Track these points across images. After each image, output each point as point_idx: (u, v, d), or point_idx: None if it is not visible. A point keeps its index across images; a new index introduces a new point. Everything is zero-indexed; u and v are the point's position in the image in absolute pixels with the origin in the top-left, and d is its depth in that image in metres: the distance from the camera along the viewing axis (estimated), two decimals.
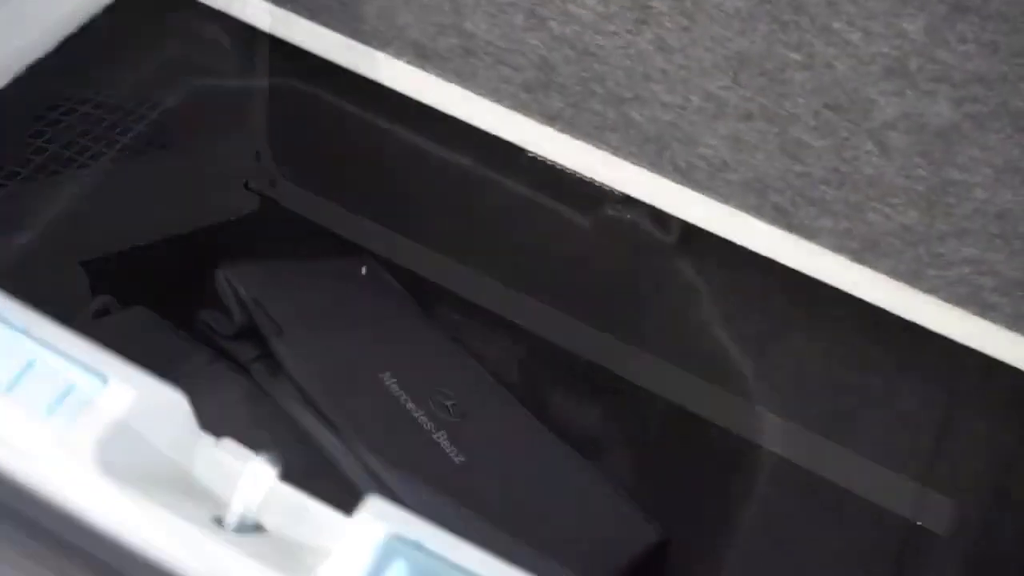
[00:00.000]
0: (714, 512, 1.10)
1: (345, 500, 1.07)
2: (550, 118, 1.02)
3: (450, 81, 1.05)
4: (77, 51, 1.07)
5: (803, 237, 0.96)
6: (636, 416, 1.25)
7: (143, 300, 1.22)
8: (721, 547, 1.05)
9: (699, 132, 0.95)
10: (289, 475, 1.09)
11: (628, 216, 1.12)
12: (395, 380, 1.14)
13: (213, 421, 1.12)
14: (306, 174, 1.28)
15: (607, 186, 1.07)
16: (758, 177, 0.95)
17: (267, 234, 1.36)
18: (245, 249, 1.34)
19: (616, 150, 1.01)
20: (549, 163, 1.08)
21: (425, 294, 1.33)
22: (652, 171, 1.00)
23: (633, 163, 1.01)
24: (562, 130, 1.03)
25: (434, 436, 1.11)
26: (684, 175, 0.99)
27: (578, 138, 1.02)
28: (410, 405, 1.13)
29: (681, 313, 1.13)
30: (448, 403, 1.15)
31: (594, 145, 1.01)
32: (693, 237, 1.12)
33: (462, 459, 1.10)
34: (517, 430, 1.19)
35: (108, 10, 1.09)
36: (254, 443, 1.10)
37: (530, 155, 1.09)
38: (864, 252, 0.95)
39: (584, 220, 1.16)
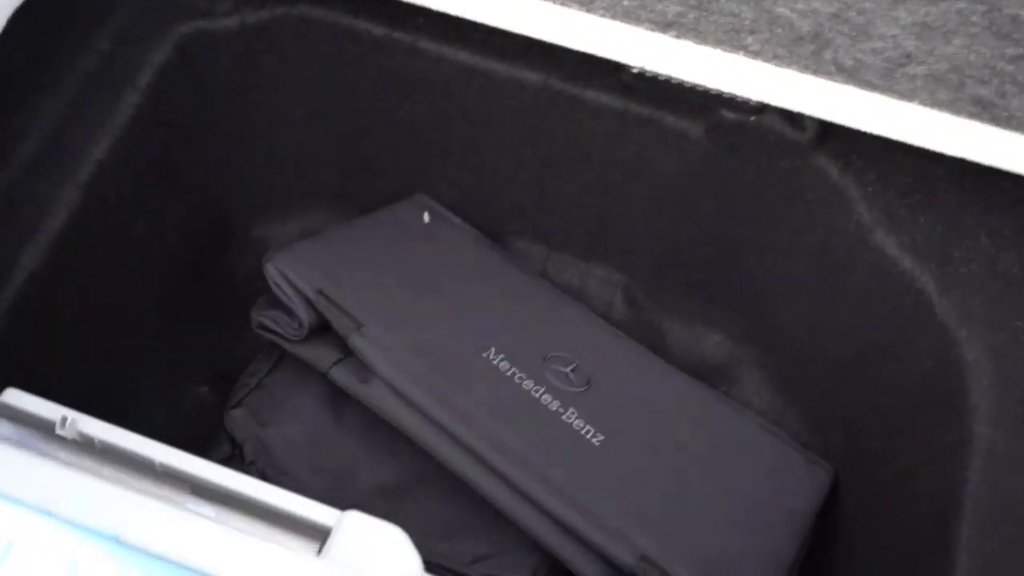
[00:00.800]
0: (884, 447, 0.94)
1: (467, 509, 0.93)
2: (664, 25, 0.80)
3: None
4: (30, 28, 0.83)
5: (1014, 130, 0.76)
6: (771, 339, 1.07)
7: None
8: (904, 490, 0.90)
9: (874, 22, 0.73)
10: (397, 488, 0.94)
11: (751, 119, 0.92)
12: (502, 355, 0.96)
13: (296, 441, 0.95)
14: (338, 109, 1.05)
15: (737, 96, 0.86)
16: (954, 67, 0.74)
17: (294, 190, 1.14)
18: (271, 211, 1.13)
19: (756, 54, 0.79)
20: (662, 78, 0.86)
21: (496, 227, 1.13)
22: (804, 73, 0.78)
23: (777, 66, 0.79)
24: (679, 36, 0.80)
25: (563, 416, 0.94)
26: (851, 74, 0.78)
27: (702, 44, 0.80)
28: (526, 384, 0.95)
29: (828, 220, 0.94)
30: (567, 370, 0.97)
31: (725, 51, 0.79)
32: (830, 132, 0.92)
33: (601, 438, 0.93)
34: (650, 385, 1.02)
35: None
36: (348, 456, 0.94)
37: (634, 71, 0.87)
38: None
39: (695, 127, 0.95)
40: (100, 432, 0.68)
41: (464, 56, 0.97)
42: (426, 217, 1.08)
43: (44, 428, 0.68)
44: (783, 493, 0.96)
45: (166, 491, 0.67)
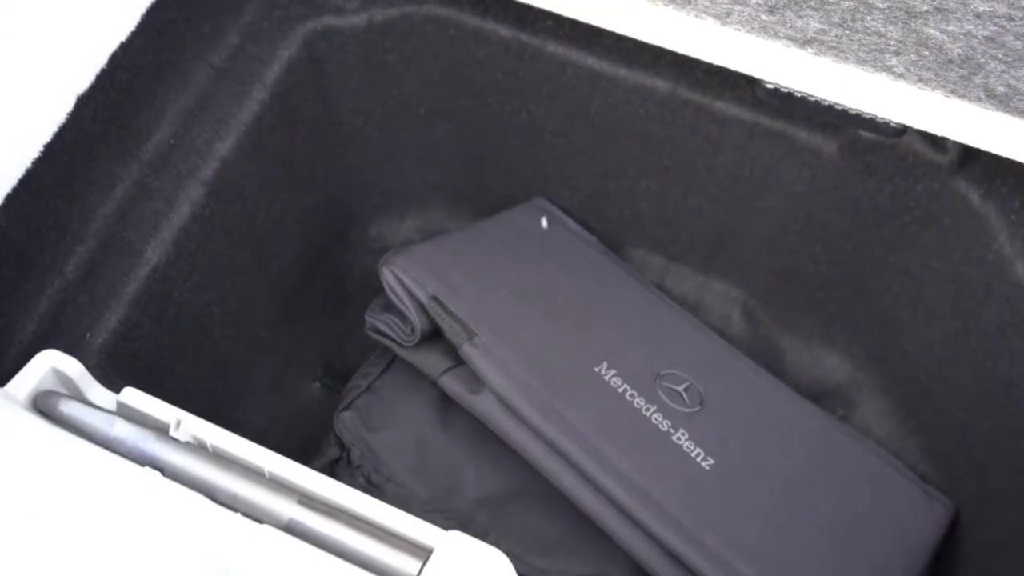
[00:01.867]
0: (1010, 487, 0.89)
1: (570, 527, 0.91)
2: (803, 42, 0.76)
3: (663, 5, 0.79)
4: (161, 22, 0.84)
5: None
6: (895, 365, 1.02)
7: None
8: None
9: None
10: (501, 500, 0.93)
11: (890, 139, 0.87)
12: (614, 371, 0.93)
13: (403, 447, 0.94)
14: (461, 109, 1.04)
15: (878, 117, 0.82)
16: None
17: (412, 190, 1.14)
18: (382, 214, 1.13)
19: (900, 76, 0.75)
20: (798, 95, 0.83)
21: (615, 236, 1.11)
22: (952, 98, 0.74)
23: (922, 89, 0.75)
24: (818, 54, 0.77)
25: (673, 437, 0.91)
26: (1002, 101, 0.73)
27: (842, 63, 0.76)
28: (638, 401, 0.92)
29: (965, 247, 0.89)
30: (680, 388, 0.95)
31: (867, 71, 0.76)
32: (973, 156, 0.87)
33: (711, 462, 0.90)
34: (765, 408, 0.98)
35: None
36: (453, 465, 0.94)
37: (769, 87, 0.84)
38: None
39: (828, 144, 0.91)
40: (212, 437, 0.68)
41: (592, 61, 0.95)
42: (544, 222, 1.06)
43: (159, 429, 0.68)
44: (898, 528, 0.92)
45: (273, 499, 0.67)
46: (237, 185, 0.92)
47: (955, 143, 0.86)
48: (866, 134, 0.88)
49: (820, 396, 1.06)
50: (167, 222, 0.85)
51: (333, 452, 0.94)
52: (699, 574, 0.84)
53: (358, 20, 0.96)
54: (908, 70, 0.74)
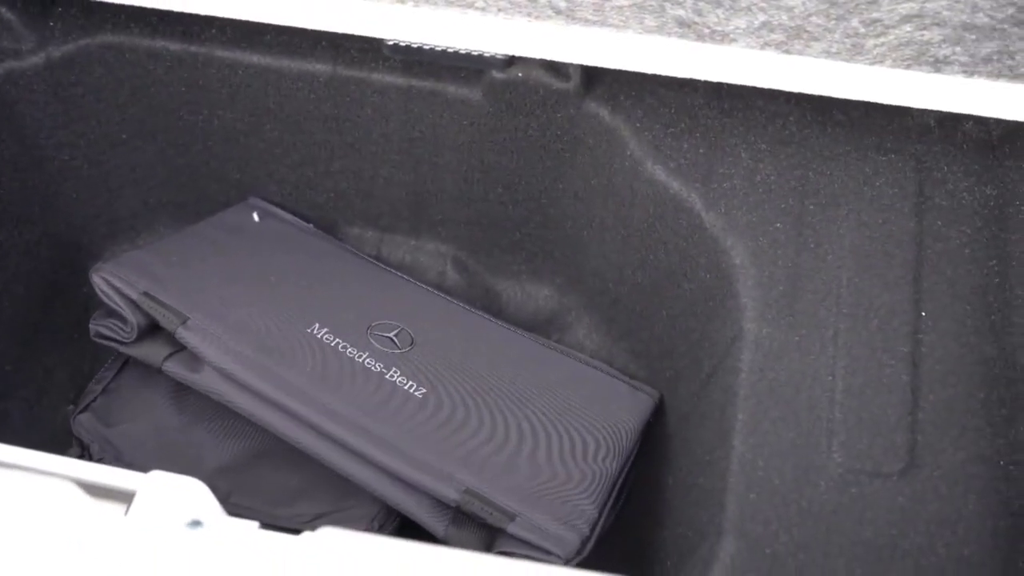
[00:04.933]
0: (690, 362, 1.00)
1: (307, 476, 0.99)
2: None
3: None
4: None
5: (719, 43, 0.84)
6: (590, 283, 1.14)
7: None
8: (704, 395, 0.96)
9: None
10: (240, 465, 1.00)
11: (519, 75, 0.99)
12: (326, 329, 1.02)
13: (141, 436, 1.01)
14: (159, 127, 1.12)
15: (486, 53, 0.93)
16: None
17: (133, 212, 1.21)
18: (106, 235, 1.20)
19: (483, 10, 0.86)
20: (415, 46, 0.94)
21: (329, 219, 1.20)
22: (531, 20, 0.86)
23: (505, 18, 0.87)
24: (417, 5, 0.88)
25: (386, 376, 1.00)
26: (568, 15, 0.85)
27: (437, 8, 0.87)
28: (350, 351, 1.01)
29: (609, 160, 1.01)
30: (391, 335, 1.04)
31: (459, 10, 0.87)
32: (596, 78, 0.99)
33: (423, 391, 0.99)
34: (473, 338, 1.08)
35: None
36: (192, 443, 1.00)
37: (391, 44, 0.95)
38: (791, 41, 0.82)
39: (474, 92, 1.02)
40: None
41: (257, 58, 1.04)
42: (256, 217, 1.15)
43: None
44: (606, 419, 1.02)
45: None
46: None
47: (576, 68, 0.98)
48: (498, 75, 0.99)
49: (538, 326, 1.17)
50: None
51: (74, 452, 1.00)
52: (422, 488, 0.92)
53: (37, 59, 1.04)
54: (488, 3, 0.86)
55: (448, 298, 1.13)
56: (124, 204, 1.18)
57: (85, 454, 0.99)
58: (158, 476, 0.71)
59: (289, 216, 1.18)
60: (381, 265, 1.16)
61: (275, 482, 0.99)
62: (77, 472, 0.72)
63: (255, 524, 0.68)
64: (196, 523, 0.69)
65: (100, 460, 0.98)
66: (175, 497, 0.71)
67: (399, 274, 1.14)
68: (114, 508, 0.71)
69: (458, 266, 1.19)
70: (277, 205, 1.18)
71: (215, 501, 0.71)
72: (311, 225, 1.18)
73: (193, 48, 1.05)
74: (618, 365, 1.12)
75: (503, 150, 1.06)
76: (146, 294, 0.99)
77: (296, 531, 0.93)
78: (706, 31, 0.83)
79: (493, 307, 1.17)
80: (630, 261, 1.06)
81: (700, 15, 0.82)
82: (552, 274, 1.17)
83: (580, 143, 1.03)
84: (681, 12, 0.82)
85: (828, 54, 0.82)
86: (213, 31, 1.05)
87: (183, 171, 1.17)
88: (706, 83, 0.94)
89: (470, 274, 1.19)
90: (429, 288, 1.14)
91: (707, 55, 0.85)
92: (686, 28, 0.83)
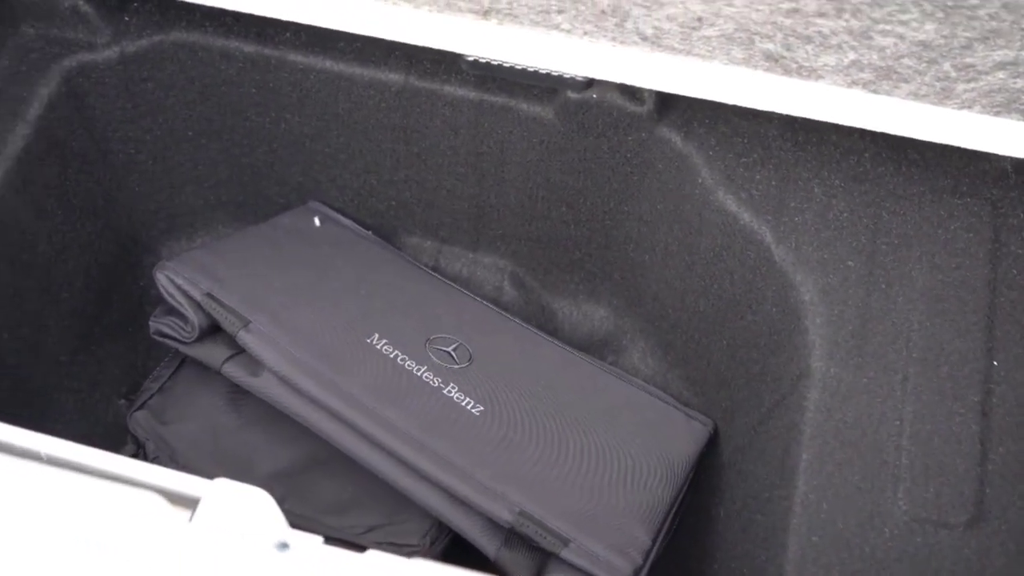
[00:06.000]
0: (749, 394, 0.99)
1: (360, 486, 0.98)
2: (483, 13, 0.87)
3: None
4: None
5: (805, 79, 0.83)
6: (648, 307, 1.13)
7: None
8: (764, 429, 0.95)
9: None
10: (294, 472, 1.00)
11: (594, 96, 0.98)
12: (385, 340, 1.02)
13: (197, 437, 1.01)
14: (226, 126, 1.12)
15: (566, 74, 0.93)
16: (741, 26, 0.81)
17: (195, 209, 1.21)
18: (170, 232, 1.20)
19: (568, 32, 0.86)
20: (495, 63, 0.93)
21: (389, 227, 1.20)
22: (615, 45, 0.85)
23: (590, 42, 0.86)
24: (501, 23, 0.87)
25: (444, 391, 0.99)
26: (654, 42, 0.84)
27: (522, 28, 0.87)
28: (409, 364, 1.01)
29: (678, 186, 1.00)
30: (450, 349, 1.03)
31: (543, 31, 0.86)
32: (670, 103, 0.98)
33: (481, 408, 0.99)
34: (530, 356, 1.08)
35: None
36: (246, 446, 1.00)
37: (471, 60, 0.94)
38: (879, 81, 0.81)
39: (546, 111, 1.02)
40: None
41: (329, 64, 1.04)
42: (317, 221, 1.15)
43: None
44: (661, 448, 1.01)
45: (51, 472, 0.72)
46: (12, 217, 0.98)
47: (651, 94, 0.98)
48: (572, 95, 0.98)
49: (592, 346, 1.16)
50: None
51: (129, 449, 1.01)
52: (476, 507, 0.92)
53: (111, 53, 1.04)
54: (573, 25, 0.85)
55: (505, 314, 1.13)
56: (185, 201, 1.19)
57: (140, 452, 0.99)
58: (223, 484, 0.71)
59: (349, 222, 1.17)
60: (439, 277, 1.15)
61: (329, 491, 0.98)
62: (141, 474, 0.72)
63: (319, 539, 0.68)
64: (261, 534, 0.69)
65: (155, 459, 0.98)
66: (240, 506, 0.71)
67: (457, 287, 1.14)
68: (178, 513, 0.71)
69: (515, 282, 1.18)
70: (337, 210, 1.18)
71: (279, 512, 0.71)
72: (370, 232, 1.18)
73: (266, 50, 1.05)
74: (672, 391, 1.11)
75: (570, 169, 1.06)
76: (209, 295, 0.99)
77: (357, 546, 0.94)
78: (793, 66, 0.82)
79: (548, 325, 1.17)
80: (692, 288, 1.05)
81: (789, 50, 0.81)
82: (610, 295, 1.16)
83: (649, 167, 1.02)
84: (770, 46, 0.81)
85: (916, 96, 0.81)
86: (287, 35, 1.05)
87: (245, 171, 1.17)
88: (781, 114, 0.93)
89: (527, 290, 1.18)
90: (486, 303, 1.13)
91: (791, 89, 0.84)
92: (773, 62, 0.82)
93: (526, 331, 1.11)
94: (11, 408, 1.01)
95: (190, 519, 0.69)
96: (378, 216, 1.18)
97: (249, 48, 1.05)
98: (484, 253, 1.19)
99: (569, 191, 1.08)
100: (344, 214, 1.18)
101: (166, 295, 1.00)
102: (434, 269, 1.18)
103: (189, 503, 0.71)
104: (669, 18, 0.82)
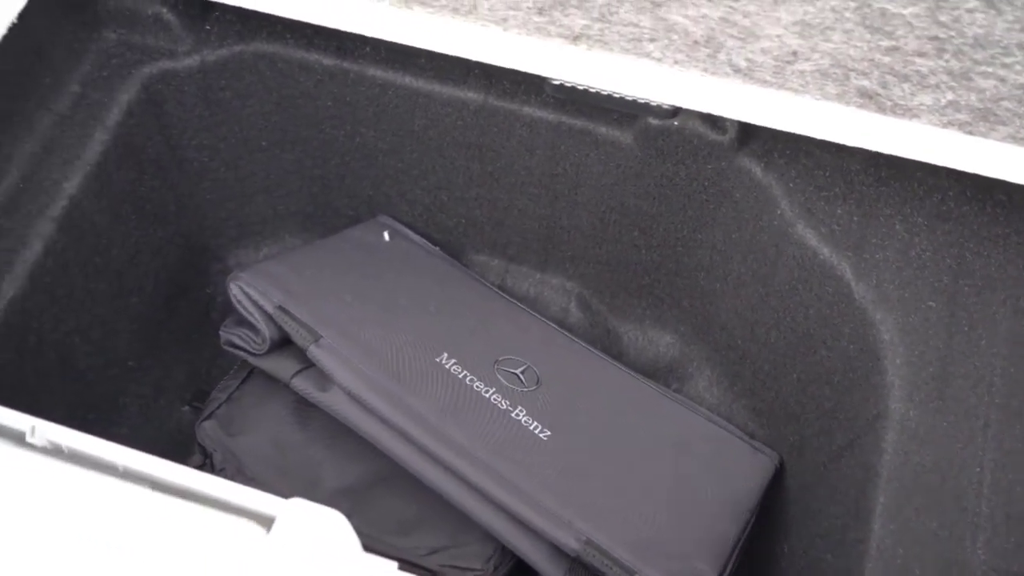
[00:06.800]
0: (819, 430, 0.98)
1: (425, 506, 0.98)
2: (574, 38, 0.86)
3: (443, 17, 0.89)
4: (1, 75, 0.91)
5: (900, 117, 0.82)
6: (716, 336, 1.12)
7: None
8: (835, 467, 0.94)
9: (759, 24, 0.79)
10: (359, 489, 0.99)
11: (675, 123, 0.97)
12: (454, 360, 1.01)
13: (263, 449, 1.01)
14: (300, 138, 1.12)
15: (652, 101, 0.92)
16: (837, 62, 0.80)
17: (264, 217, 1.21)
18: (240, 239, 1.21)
19: (659, 60, 0.85)
20: (580, 88, 0.93)
21: (457, 243, 1.19)
22: (705, 75, 0.84)
23: (679, 71, 0.85)
24: (590, 48, 0.87)
25: (512, 414, 0.99)
26: (746, 74, 0.83)
27: (611, 54, 0.86)
28: (477, 385, 1.00)
29: (755, 217, 0.99)
30: (518, 371, 1.03)
31: (632, 58, 0.86)
32: (751, 133, 0.97)
33: (548, 433, 0.98)
34: (597, 381, 1.07)
35: (24, 15, 0.93)
36: (312, 461, 1.00)
37: (556, 83, 0.94)
38: (976, 123, 0.80)
39: (625, 135, 1.01)
40: (67, 439, 0.74)
41: (409, 80, 1.04)
42: (386, 236, 1.14)
43: (15, 437, 0.74)
44: (726, 480, 1.00)
45: (128, 489, 0.72)
46: (88, 222, 0.98)
47: (733, 123, 0.97)
48: (654, 121, 0.97)
49: (657, 372, 1.16)
50: (20, 258, 0.92)
51: (196, 459, 1.01)
52: (542, 533, 0.91)
53: (191, 61, 1.04)
54: (664, 54, 0.84)
55: (572, 337, 1.12)
56: (255, 210, 1.19)
57: (207, 462, 0.99)
58: (299, 504, 0.71)
59: (418, 237, 1.17)
60: (506, 296, 1.15)
61: (393, 510, 0.98)
62: (217, 491, 0.72)
63: (394, 565, 0.68)
64: (336, 556, 0.69)
65: (222, 470, 0.98)
66: (315, 526, 0.70)
67: (524, 307, 1.13)
68: (253, 529, 0.71)
69: (582, 304, 1.17)
70: (406, 225, 1.18)
71: (354, 534, 0.71)
72: (438, 248, 1.18)
73: (346, 64, 1.05)
74: (737, 422, 1.10)
75: (646, 195, 1.05)
76: (281, 308, 0.99)
77: (427, 571, 0.94)
78: (888, 104, 0.81)
79: (613, 349, 1.16)
80: (764, 320, 1.04)
81: (885, 87, 0.80)
82: (677, 322, 1.15)
83: (727, 196, 1.01)
84: (866, 83, 0.80)
85: (1014, 139, 0.80)
86: (367, 49, 1.04)
87: (315, 182, 1.17)
88: (865, 150, 0.92)
89: (593, 313, 1.18)
90: (553, 324, 1.13)
91: (884, 127, 0.83)
92: (867, 99, 0.81)
93: (592, 354, 1.10)
94: (79, 412, 1.02)
95: (265, 538, 0.69)
96: (446, 232, 1.17)
97: (328, 61, 1.05)
98: (552, 274, 1.18)
99: (643, 216, 1.07)
100: (413, 229, 1.18)
101: (238, 306, 1.00)
102: (500, 288, 1.17)
103: (264, 521, 0.71)
104: (764, 51, 0.81)
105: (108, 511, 0.68)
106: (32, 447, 0.74)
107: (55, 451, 0.75)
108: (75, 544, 0.65)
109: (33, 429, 0.75)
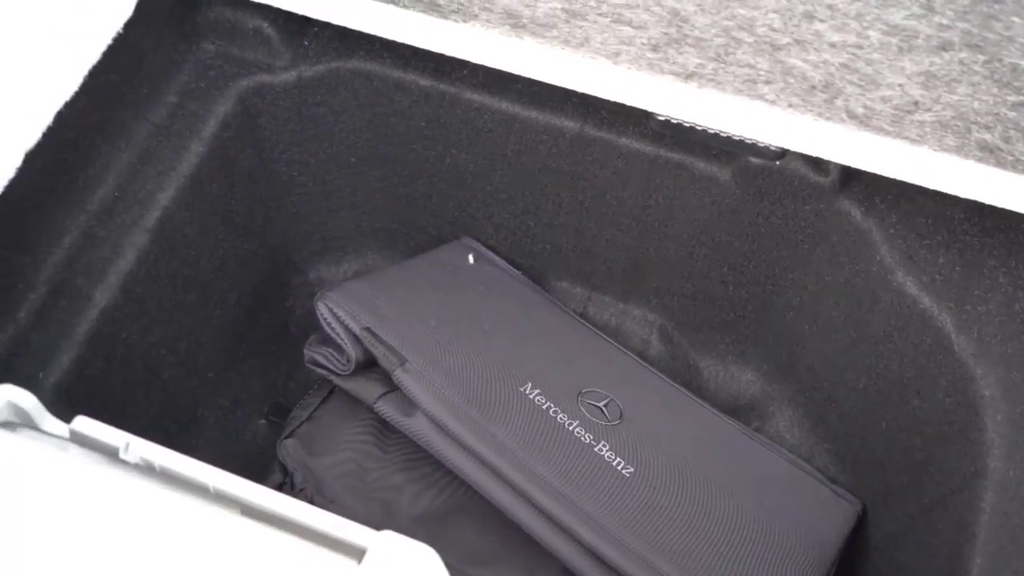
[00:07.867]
0: (908, 481, 0.96)
1: (504, 537, 0.97)
2: (686, 76, 0.85)
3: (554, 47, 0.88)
4: (104, 84, 0.91)
5: (1020, 174, 0.80)
6: (801, 377, 1.10)
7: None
8: (925, 521, 0.92)
9: (881, 72, 0.78)
10: (437, 516, 0.99)
11: (777, 163, 0.96)
12: (538, 390, 1.00)
13: (343, 471, 1.00)
14: (389, 156, 1.12)
15: (759, 142, 0.91)
16: (959, 114, 0.78)
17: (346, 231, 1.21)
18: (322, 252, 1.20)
19: (772, 103, 0.84)
20: (687, 125, 0.92)
21: (540, 269, 1.18)
22: (819, 120, 0.83)
23: (792, 114, 0.84)
24: (701, 87, 0.85)
25: (595, 449, 0.98)
26: (863, 122, 0.82)
27: (723, 94, 0.85)
28: (561, 417, 0.99)
29: (852, 261, 0.97)
30: (601, 404, 1.02)
31: (744, 100, 0.84)
32: (852, 176, 0.96)
33: (631, 470, 0.97)
34: (681, 420, 1.06)
35: (129, 25, 0.93)
36: (391, 486, 0.99)
37: (661, 119, 0.93)
38: None
39: (723, 172, 1.00)
40: (159, 457, 0.74)
41: (505, 105, 1.03)
42: (471, 259, 1.14)
43: (109, 453, 0.74)
44: (809, 525, 0.99)
45: (217, 512, 0.72)
46: (180, 232, 0.98)
47: (835, 165, 0.95)
48: (754, 160, 0.96)
49: (736, 410, 1.14)
50: (114, 268, 0.92)
51: (277, 478, 1.00)
52: (622, 572, 0.90)
53: (288, 76, 1.04)
54: (779, 97, 0.83)
55: (654, 370, 1.11)
56: (339, 225, 1.18)
57: (288, 481, 0.99)
58: (390, 537, 0.70)
59: (502, 262, 1.16)
60: (588, 325, 1.14)
61: (471, 540, 0.97)
62: (308, 519, 0.72)
63: None
64: None
65: (301, 490, 0.98)
66: (407, 562, 0.70)
67: (607, 338, 1.12)
68: (345, 562, 0.70)
69: (664, 336, 1.16)
70: (489, 248, 1.17)
71: (445, 571, 0.70)
72: (520, 273, 1.17)
73: (442, 86, 1.04)
74: (818, 465, 1.08)
75: (739, 232, 1.04)
76: (368, 330, 0.98)
77: None
78: (1009, 159, 0.79)
79: (693, 383, 1.15)
80: (853, 364, 1.02)
81: (1008, 143, 0.78)
82: (759, 360, 1.14)
83: (823, 238, 1.00)
84: (987, 136, 0.78)
85: None
86: (465, 72, 1.04)
87: (401, 200, 1.17)
88: (969, 200, 0.90)
89: (674, 346, 1.16)
90: (635, 356, 1.12)
91: (1002, 181, 0.81)
92: (988, 153, 0.80)
93: (673, 389, 1.09)
94: (161, 423, 1.02)
95: (356, 569, 0.69)
96: (530, 257, 1.17)
97: (425, 82, 1.04)
98: (635, 305, 1.17)
99: (734, 252, 1.06)
100: (496, 252, 1.17)
101: (325, 326, 0.99)
102: (581, 316, 1.16)
103: (355, 553, 0.71)
104: (884, 99, 0.79)
105: (197, 535, 0.68)
106: (125, 464, 0.74)
107: (147, 468, 0.75)
108: (163, 568, 0.65)
109: (127, 446, 0.75)
